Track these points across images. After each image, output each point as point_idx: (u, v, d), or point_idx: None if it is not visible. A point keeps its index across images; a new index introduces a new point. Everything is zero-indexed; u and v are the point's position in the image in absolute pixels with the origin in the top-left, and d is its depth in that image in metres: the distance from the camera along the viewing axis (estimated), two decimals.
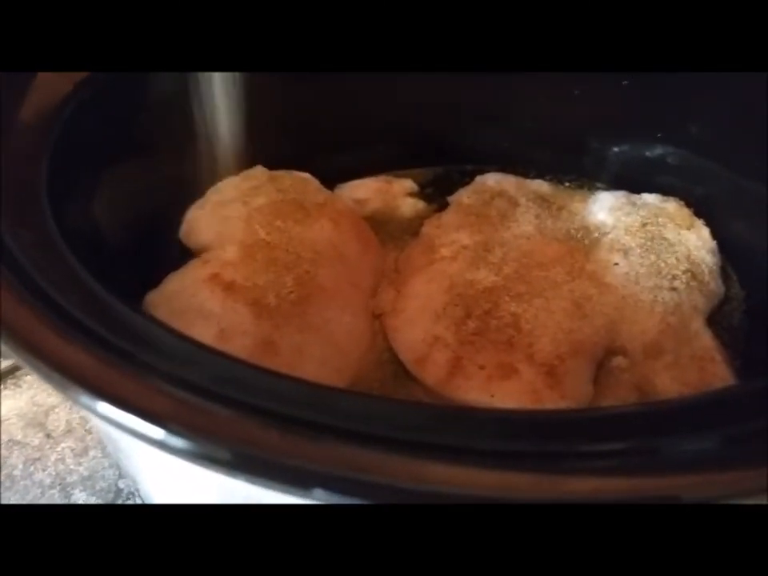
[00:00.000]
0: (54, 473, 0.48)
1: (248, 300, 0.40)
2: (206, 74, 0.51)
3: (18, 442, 0.50)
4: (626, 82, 0.54)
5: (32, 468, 0.49)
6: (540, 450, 0.20)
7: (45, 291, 0.29)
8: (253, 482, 0.22)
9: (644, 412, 0.23)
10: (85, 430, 0.51)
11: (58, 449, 0.50)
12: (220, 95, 0.52)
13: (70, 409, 0.53)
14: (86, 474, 0.49)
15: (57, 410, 0.53)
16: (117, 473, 0.48)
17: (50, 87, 0.41)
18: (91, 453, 0.50)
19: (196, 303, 0.39)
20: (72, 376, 0.25)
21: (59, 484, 0.48)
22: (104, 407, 0.24)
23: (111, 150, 0.45)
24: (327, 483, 0.20)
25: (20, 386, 0.54)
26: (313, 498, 0.21)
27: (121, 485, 0.48)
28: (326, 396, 0.23)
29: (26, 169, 0.36)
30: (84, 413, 0.49)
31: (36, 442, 0.51)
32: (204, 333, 0.39)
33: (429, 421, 0.22)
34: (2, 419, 0.51)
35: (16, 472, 0.48)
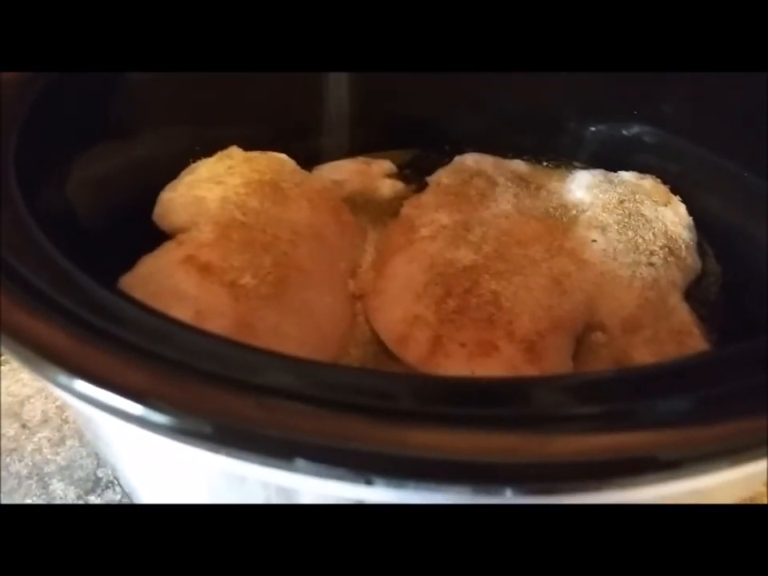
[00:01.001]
0: (30, 463, 0.48)
1: (224, 281, 0.39)
2: None
3: None
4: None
5: (8, 459, 0.48)
6: (522, 414, 0.20)
7: (18, 272, 0.29)
8: (235, 456, 0.21)
9: (620, 377, 0.24)
10: (61, 420, 0.51)
11: (35, 439, 0.49)
12: (194, 80, 0.51)
13: (45, 398, 0.52)
14: (63, 463, 0.48)
15: (32, 399, 0.52)
16: (95, 462, 0.48)
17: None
18: (68, 442, 0.49)
19: (171, 285, 0.39)
20: (48, 355, 0.24)
21: (36, 474, 0.47)
22: (81, 385, 0.23)
23: (83, 131, 0.44)
24: (309, 452, 0.20)
25: None
26: (296, 470, 0.21)
27: (99, 474, 0.47)
28: (304, 367, 0.23)
29: None
30: (62, 400, 0.48)
31: (12, 432, 0.50)
32: (180, 315, 0.37)
33: (410, 389, 0.21)
34: None
35: None
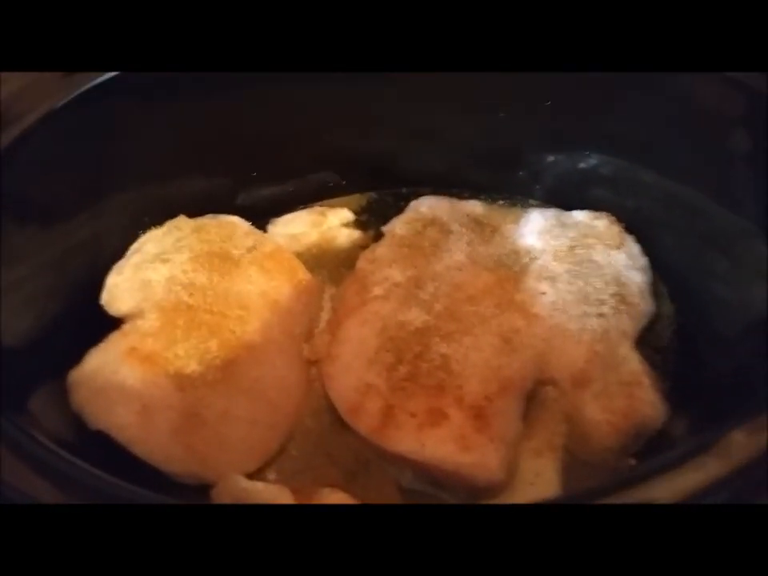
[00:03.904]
0: None
1: (169, 372, 0.40)
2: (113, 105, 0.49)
3: None
4: (548, 102, 0.54)
5: None
6: None
7: None
8: None
9: None
10: None
11: None
12: (143, 141, 0.51)
13: None
14: None
15: None
16: None
17: None
18: None
19: (117, 380, 0.39)
20: None
21: None
22: None
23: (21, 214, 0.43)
24: None
25: None
26: None
27: None
28: None
29: None
30: None
31: None
32: (126, 411, 0.39)
33: None
34: None
35: None
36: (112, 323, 0.44)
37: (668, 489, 0.26)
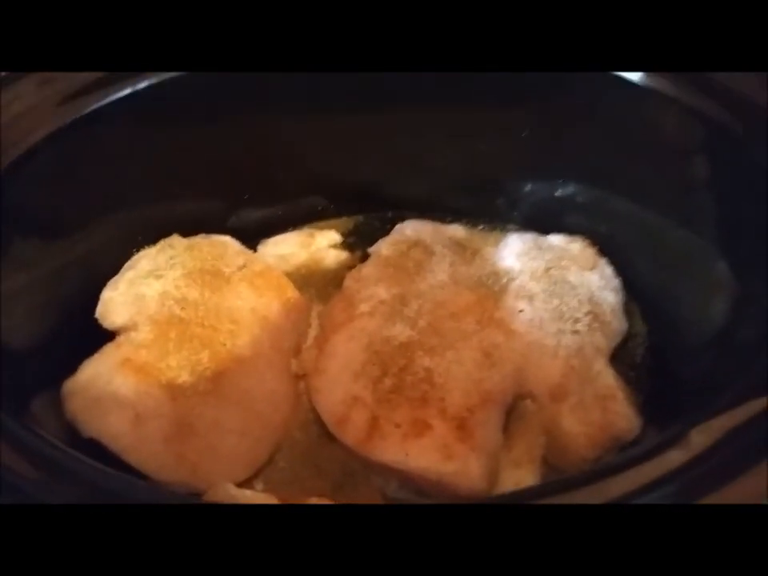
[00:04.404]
0: None
1: (161, 382, 0.41)
2: (110, 130, 0.50)
3: None
4: (525, 134, 0.57)
5: None
6: None
7: None
8: None
9: None
10: None
11: None
12: (137, 162, 0.53)
13: None
14: None
15: None
16: None
17: None
18: None
19: (110, 390, 0.40)
20: None
21: None
22: None
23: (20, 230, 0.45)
24: None
25: None
26: None
27: None
28: None
29: None
30: None
31: None
32: (120, 419, 0.40)
33: None
34: None
35: None
36: (106, 336, 0.46)
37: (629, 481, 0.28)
